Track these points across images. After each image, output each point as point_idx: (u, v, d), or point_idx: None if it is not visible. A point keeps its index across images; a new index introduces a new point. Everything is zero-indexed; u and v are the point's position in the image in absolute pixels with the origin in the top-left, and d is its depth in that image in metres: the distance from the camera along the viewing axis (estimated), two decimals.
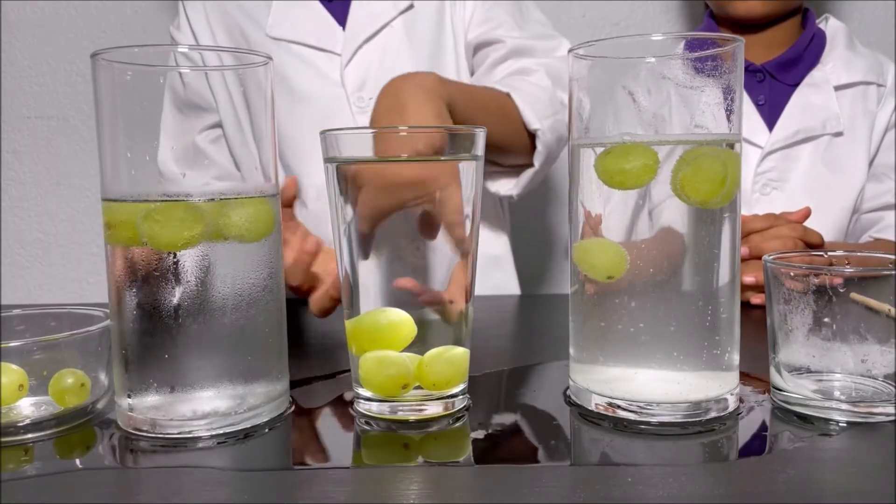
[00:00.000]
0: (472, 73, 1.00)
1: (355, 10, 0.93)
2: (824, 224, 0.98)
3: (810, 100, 1.04)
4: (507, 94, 0.83)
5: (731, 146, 0.47)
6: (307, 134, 0.95)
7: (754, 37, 1.06)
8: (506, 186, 0.94)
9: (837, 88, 1.04)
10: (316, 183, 0.96)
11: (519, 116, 0.84)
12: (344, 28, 0.93)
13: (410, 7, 0.93)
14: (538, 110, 0.85)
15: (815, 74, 1.05)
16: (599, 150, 0.47)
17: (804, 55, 1.05)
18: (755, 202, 1.03)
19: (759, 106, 1.05)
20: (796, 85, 1.05)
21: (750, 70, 1.05)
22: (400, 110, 0.59)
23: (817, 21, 1.09)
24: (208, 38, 0.97)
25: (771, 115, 1.05)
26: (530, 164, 0.91)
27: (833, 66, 1.05)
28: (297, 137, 0.95)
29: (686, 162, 0.45)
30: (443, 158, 0.48)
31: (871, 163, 1.05)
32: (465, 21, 0.96)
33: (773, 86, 1.06)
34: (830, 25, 1.09)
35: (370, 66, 0.94)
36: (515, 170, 0.93)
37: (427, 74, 0.66)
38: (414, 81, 0.63)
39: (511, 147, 0.87)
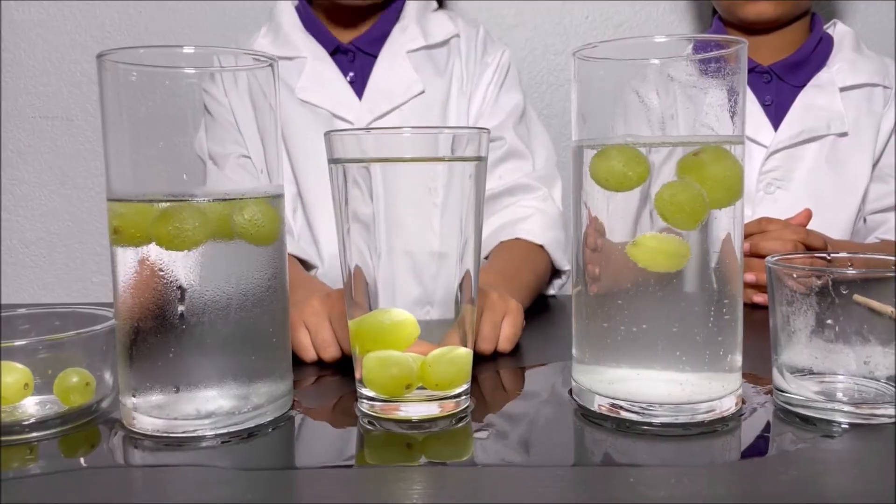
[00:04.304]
0: None
1: (371, 90, 0.99)
2: (828, 224, 0.98)
3: (815, 100, 1.04)
4: (541, 247, 0.92)
5: (736, 148, 0.47)
6: (324, 191, 0.97)
7: (762, 39, 1.06)
8: None
9: (843, 90, 1.04)
10: (331, 236, 0.98)
11: (549, 261, 0.93)
12: (360, 99, 0.99)
13: (422, 93, 0.99)
14: (565, 251, 0.95)
15: (821, 76, 1.05)
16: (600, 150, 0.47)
17: (811, 57, 1.06)
18: (759, 201, 1.03)
19: (765, 106, 1.05)
20: (803, 86, 1.05)
21: (757, 71, 1.05)
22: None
23: (825, 26, 1.09)
24: (239, 99, 0.99)
25: (777, 116, 1.05)
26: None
27: (839, 68, 1.05)
28: (317, 192, 0.99)
29: (666, 189, 0.45)
30: (446, 159, 0.49)
31: (875, 164, 1.05)
32: (471, 116, 1.03)
33: (779, 87, 1.06)
34: (838, 30, 1.09)
35: None
36: None
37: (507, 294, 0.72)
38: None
39: (543, 285, 0.94)
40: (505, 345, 0.64)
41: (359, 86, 1.00)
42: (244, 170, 0.82)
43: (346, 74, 1.00)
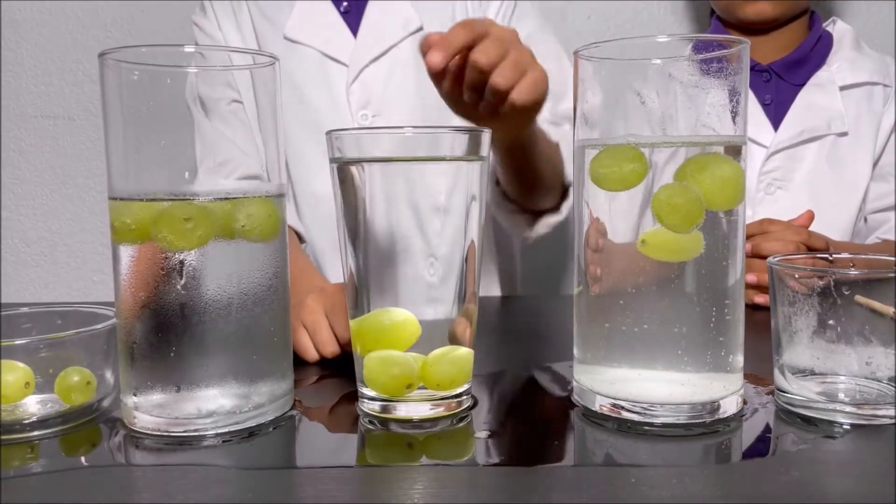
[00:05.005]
0: None
1: (367, 23, 0.95)
2: (829, 224, 0.98)
3: (815, 100, 1.04)
4: (557, 144, 0.88)
5: (738, 149, 0.47)
6: (310, 140, 0.95)
7: (761, 38, 1.06)
8: (523, 227, 0.95)
9: (843, 88, 1.04)
10: (315, 190, 0.96)
11: (562, 166, 0.88)
12: (355, 36, 0.94)
13: (419, 30, 0.94)
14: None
15: (820, 75, 1.05)
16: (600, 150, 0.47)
17: (810, 56, 1.05)
18: (759, 201, 1.03)
19: (765, 106, 1.05)
20: (802, 85, 1.05)
21: (756, 70, 1.05)
22: None
23: (824, 24, 1.09)
24: (233, 32, 0.96)
25: (777, 115, 1.05)
26: (550, 210, 0.93)
27: (839, 67, 1.05)
28: (299, 142, 0.96)
29: (664, 191, 0.45)
30: (448, 158, 0.49)
31: (875, 163, 1.05)
32: None
33: (779, 86, 1.06)
34: (838, 28, 1.09)
35: (375, 86, 0.95)
36: (533, 214, 0.94)
37: None
38: None
39: (551, 190, 0.90)
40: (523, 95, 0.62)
41: (353, 17, 0.95)
42: (236, 117, 0.80)
43: (339, 6, 0.96)
